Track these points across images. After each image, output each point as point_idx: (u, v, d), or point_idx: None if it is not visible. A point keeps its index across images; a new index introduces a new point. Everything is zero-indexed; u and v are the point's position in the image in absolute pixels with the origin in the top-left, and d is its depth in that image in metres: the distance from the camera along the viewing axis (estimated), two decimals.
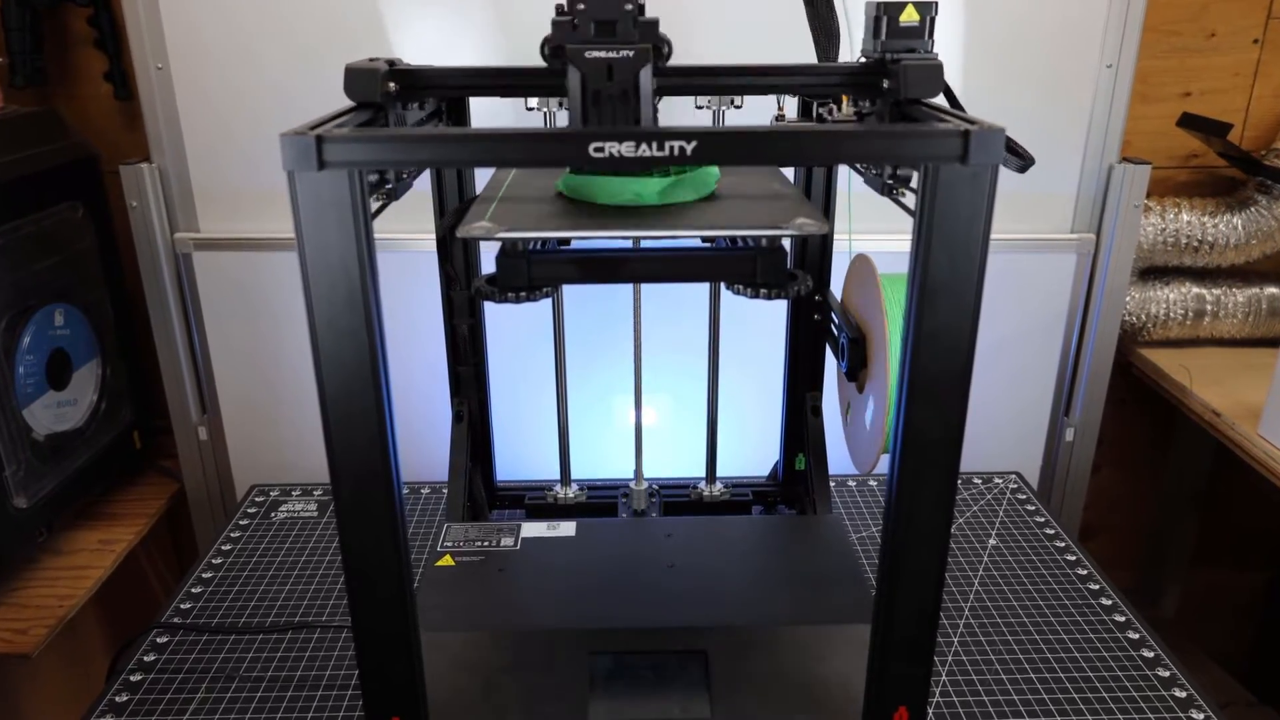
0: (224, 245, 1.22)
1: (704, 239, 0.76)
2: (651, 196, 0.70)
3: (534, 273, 0.71)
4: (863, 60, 0.73)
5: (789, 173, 0.96)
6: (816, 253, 0.98)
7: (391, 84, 0.69)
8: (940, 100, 0.68)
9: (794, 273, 0.73)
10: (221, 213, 1.21)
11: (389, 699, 0.63)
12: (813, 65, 0.76)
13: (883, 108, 0.71)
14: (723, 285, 0.76)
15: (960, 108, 0.68)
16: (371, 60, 0.70)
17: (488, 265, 0.77)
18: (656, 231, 0.67)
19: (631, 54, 0.63)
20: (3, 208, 1.09)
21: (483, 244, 0.99)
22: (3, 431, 1.08)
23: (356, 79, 0.68)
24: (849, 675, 0.75)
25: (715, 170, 0.75)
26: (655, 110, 0.67)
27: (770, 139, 0.53)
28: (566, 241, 0.77)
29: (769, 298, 0.73)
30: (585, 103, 0.64)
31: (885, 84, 0.69)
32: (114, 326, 1.28)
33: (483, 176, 0.96)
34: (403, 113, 0.73)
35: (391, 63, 0.72)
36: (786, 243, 0.74)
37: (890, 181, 0.70)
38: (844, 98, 0.77)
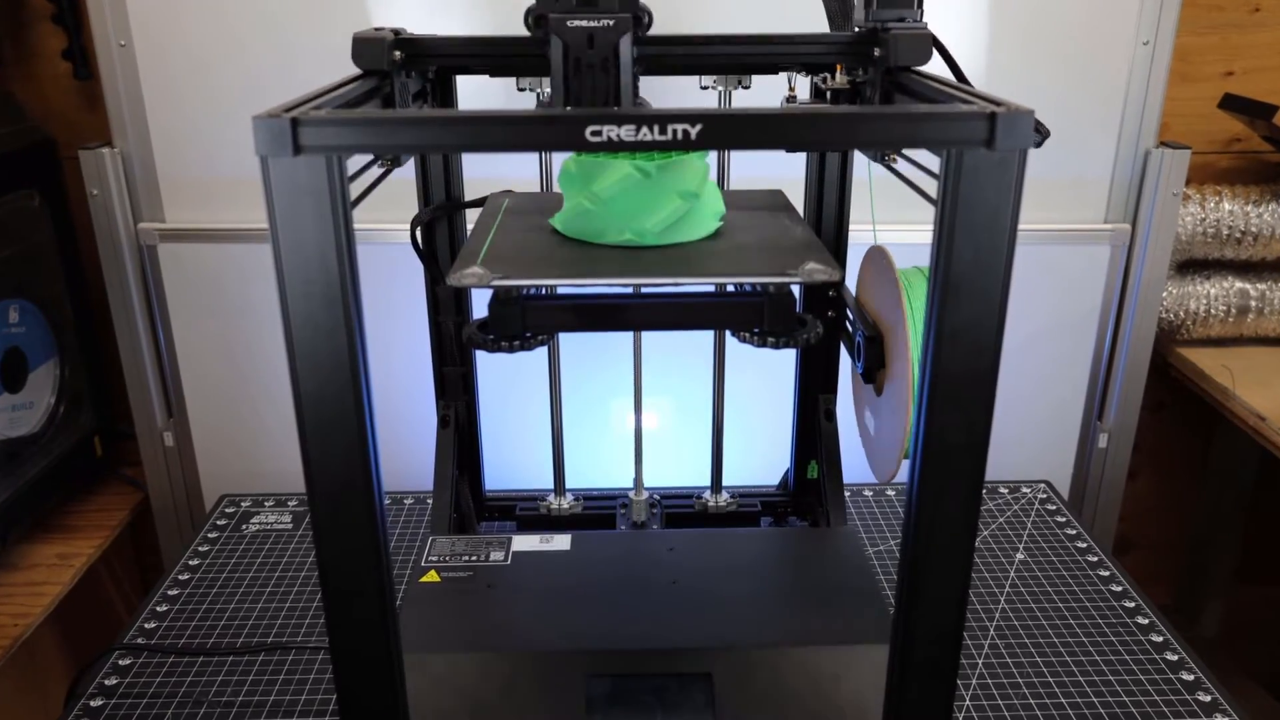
0: (192, 236, 1.22)
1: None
2: (651, 236, 0.72)
3: (529, 321, 0.73)
4: (856, 30, 0.79)
5: (799, 159, 0.97)
6: (830, 245, 0.98)
7: (397, 52, 0.75)
8: (946, 74, 0.71)
9: (804, 318, 0.75)
10: (189, 201, 1.21)
11: None
12: (804, 35, 0.81)
13: (874, 76, 0.77)
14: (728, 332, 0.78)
15: (964, 78, 0.71)
16: (377, 29, 0.76)
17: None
18: (658, 279, 0.70)
19: (612, 23, 0.70)
20: None
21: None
22: None
23: (363, 47, 0.74)
24: (865, 699, 0.76)
25: (720, 207, 0.76)
26: (636, 81, 0.73)
27: (779, 122, 0.53)
28: None
29: (777, 346, 0.74)
30: (567, 72, 0.71)
31: (876, 52, 0.75)
32: (73, 324, 1.28)
33: (473, 166, 0.96)
34: (406, 82, 0.78)
35: (397, 32, 0.77)
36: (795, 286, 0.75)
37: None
38: (838, 67, 0.82)
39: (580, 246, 0.74)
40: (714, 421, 1.06)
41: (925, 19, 0.76)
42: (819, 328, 0.76)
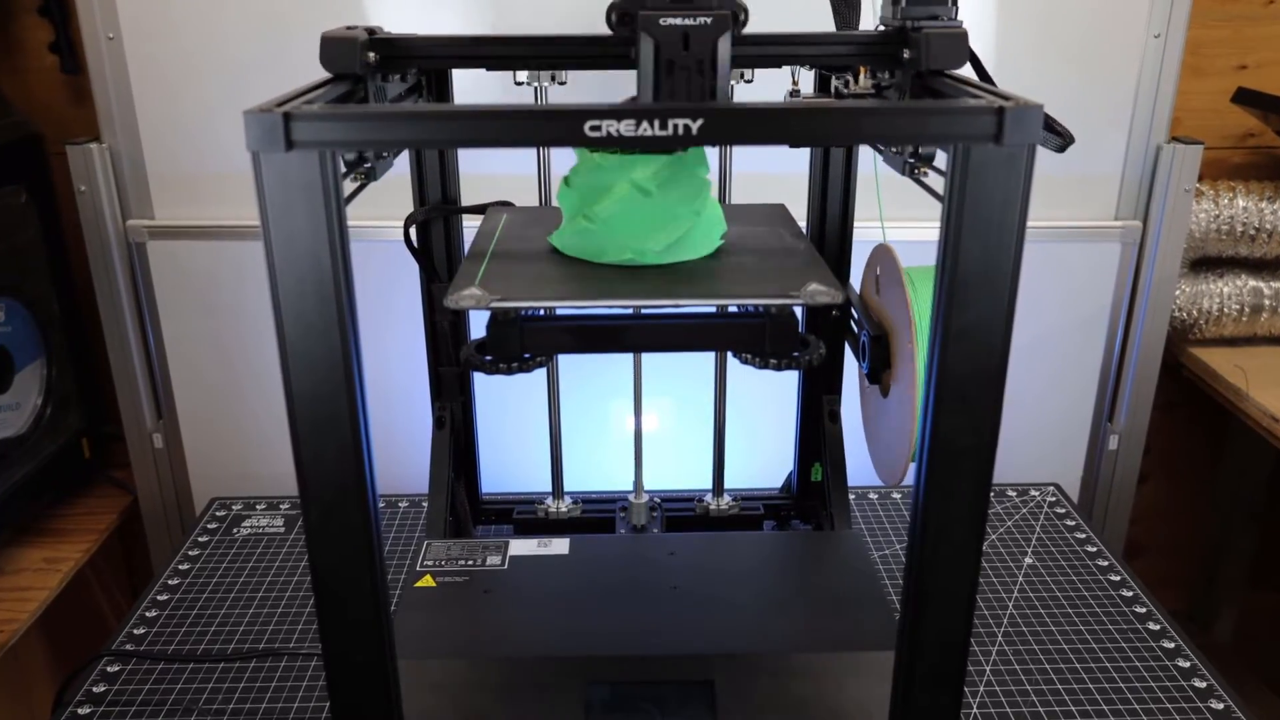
0: (182, 234, 1.22)
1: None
2: (652, 255, 0.72)
3: (527, 342, 0.73)
4: (882, 29, 0.75)
5: (804, 153, 0.97)
6: (835, 244, 0.98)
7: (371, 54, 0.70)
8: (967, 72, 0.69)
9: (806, 338, 0.75)
10: (179, 198, 1.21)
11: None
12: (827, 34, 0.77)
13: (903, 80, 0.72)
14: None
15: (989, 80, 0.69)
16: (349, 28, 0.71)
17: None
18: (659, 300, 0.70)
19: (710, 21, 0.64)
20: None
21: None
22: None
23: (333, 49, 0.68)
24: (870, 707, 0.76)
25: (721, 224, 0.76)
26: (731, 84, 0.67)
27: (783, 117, 0.53)
28: None
29: (779, 368, 0.74)
30: (658, 74, 0.65)
31: (906, 54, 0.70)
32: (60, 323, 1.28)
33: (469, 163, 0.96)
34: (383, 85, 0.74)
35: (371, 31, 0.72)
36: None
37: (912, 160, 0.71)
38: (862, 69, 0.78)
39: (580, 266, 0.74)
40: (715, 423, 1.06)
41: (960, 17, 0.71)
42: (821, 348, 0.75)
